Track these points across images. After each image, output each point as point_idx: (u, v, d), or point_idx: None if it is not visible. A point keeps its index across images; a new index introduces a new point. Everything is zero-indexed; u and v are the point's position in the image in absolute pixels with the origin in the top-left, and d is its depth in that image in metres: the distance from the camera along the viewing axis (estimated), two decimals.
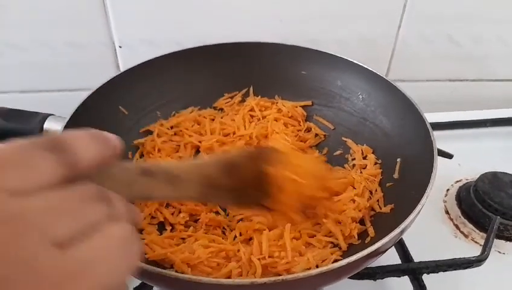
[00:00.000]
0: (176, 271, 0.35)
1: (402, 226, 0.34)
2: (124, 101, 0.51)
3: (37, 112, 0.48)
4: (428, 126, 0.44)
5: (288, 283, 0.29)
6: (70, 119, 0.44)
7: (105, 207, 0.20)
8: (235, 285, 0.28)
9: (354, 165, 0.50)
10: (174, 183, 0.28)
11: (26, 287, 0.16)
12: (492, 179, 0.54)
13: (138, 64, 0.52)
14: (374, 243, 0.32)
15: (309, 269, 0.35)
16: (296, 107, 0.56)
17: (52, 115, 0.47)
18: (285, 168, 0.33)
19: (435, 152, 0.40)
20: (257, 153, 0.34)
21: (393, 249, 0.47)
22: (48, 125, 0.46)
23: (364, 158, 0.50)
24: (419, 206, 0.35)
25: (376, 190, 0.46)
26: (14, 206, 0.17)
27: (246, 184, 0.32)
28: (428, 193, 0.37)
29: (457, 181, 0.60)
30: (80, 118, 0.44)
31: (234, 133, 0.54)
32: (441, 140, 0.55)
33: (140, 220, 0.23)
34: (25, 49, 0.61)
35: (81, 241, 0.18)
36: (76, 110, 0.45)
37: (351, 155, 0.51)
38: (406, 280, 0.44)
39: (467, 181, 0.59)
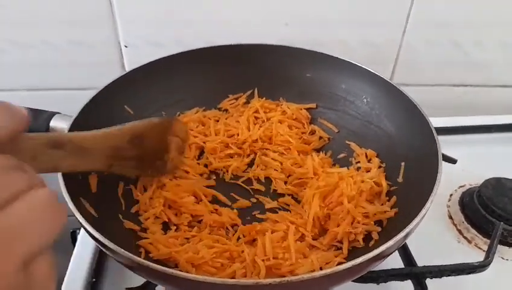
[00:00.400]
0: (180, 271, 0.35)
1: (406, 230, 0.34)
2: (129, 101, 0.51)
3: (43, 110, 0.48)
4: (433, 130, 0.44)
5: (293, 284, 0.29)
6: (76, 117, 0.44)
7: (24, 175, 0.21)
8: (240, 285, 0.28)
9: (358, 168, 0.50)
10: (81, 155, 0.28)
11: None
12: (496, 184, 0.54)
13: (144, 65, 0.53)
14: (378, 247, 0.32)
15: (313, 271, 0.35)
16: (301, 109, 0.57)
17: (59, 113, 0.47)
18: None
19: (440, 156, 0.40)
20: (161, 123, 0.37)
21: (396, 252, 0.47)
22: (54, 123, 0.46)
23: (369, 161, 0.50)
24: (423, 211, 0.35)
25: (380, 194, 0.46)
26: None
27: (149, 153, 0.35)
28: (433, 197, 0.37)
29: (461, 186, 0.60)
30: (86, 117, 0.44)
31: (238, 135, 0.54)
32: (445, 145, 0.55)
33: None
34: (32, 47, 0.61)
35: (6, 208, 0.19)
36: (82, 108, 0.45)
37: (354, 158, 0.52)
38: (409, 284, 0.44)
39: (470, 186, 0.59)
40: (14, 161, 0.21)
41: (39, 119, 0.47)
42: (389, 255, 0.35)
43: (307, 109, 0.57)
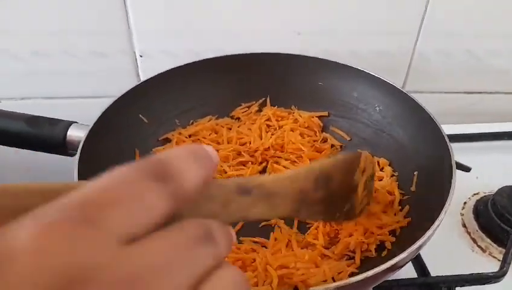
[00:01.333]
0: None
1: (420, 241, 0.34)
2: (144, 110, 0.52)
3: (60, 119, 0.49)
4: (446, 139, 0.44)
5: None
6: (92, 127, 0.45)
7: (211, 249, 0.17)
8: None
9: None
10: (268, 201, 0.25)
11: None
12: (511, 193, 0.54)
13: (158, 74, 0.54)
14: (391, 258, 0.32)
15: (325, 281, 0.35)
16: (313, 117, 0.57)
17: (76, 122, 0.48)
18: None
19: (454, 166, 0.40)
20: (347, 160, 0.33)
21: (409, 262, 0.47)
22: (72, 132, 0.47)
23: (381, 170, 0.50)
24: (437, 222, 0.35)
25: (393, 203, 0.46)
26: (125, 263, 0.14)
27: (337, 194, 0.31)
28: (447, 208, 0.37)
29: (475, 194, 0.59)
30: (102, 126, 0.46)
31: (250, 143, 0.55)
32: (459, 152, 0.54)
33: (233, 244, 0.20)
34: (49, 56, 0.63)
35: None
36: (99, 118, 0.46)
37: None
38: None
39: (484, 194, 0.59)
40: (203, 228, 0.18)
41: (56, 128, 0.48)
42: (402, 266, 0.35)
43: (319, 117, 0.57)
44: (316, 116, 0.57)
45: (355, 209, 0.35)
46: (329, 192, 0.30)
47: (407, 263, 0.35)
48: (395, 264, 0.32)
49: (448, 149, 0.42)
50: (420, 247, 0.34)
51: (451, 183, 0.39)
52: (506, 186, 0.55)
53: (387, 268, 0.31)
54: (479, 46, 0.67)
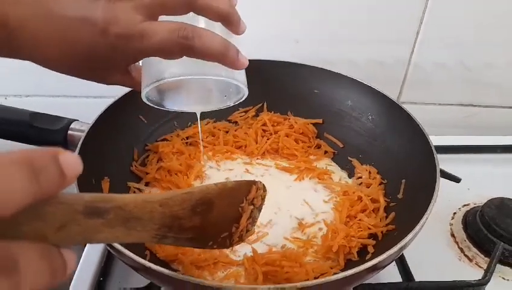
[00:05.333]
0: (182, 273, 0.37)
1: (401, 244, 0.35)
2: (143, 110, 0.54)
3: (62, 117, 0.51)
4: (433, 148, 0.45)
5: None
6: (93, 124, 0.46)
7: (7, 282, 0.15)
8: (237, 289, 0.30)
9: (360, 184, 0.51)
10: (126, 225, 0.22)
11: None
12: (500, 205, 0.55)
13: None
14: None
15: (307, 280, 0.36)
16: (308, 124, 0.58)
17: (77, 120, 0.50)
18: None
19: (438, 174, 0.41)
20: (236, 188, 0.30)
21: (395, 268, 0.48)
22: (72, 130, 0.49)
23: (371, 178, 0.51)
24: (418, 227, 0.36)
25: (379, 210, 0.47)
26: None
27: (215, 223, 0.28)
28: (429, 213, 0.38)
29: (465, 205, 0.60)
30: (102, 124, 0.47)
31: (246, 146, 0.56)
32: (452, 163, 0.56)
33: (71, 270, 0.18)
34: None
35: None
36: (99, 116, 0.48)
37: (356, 174, 0.53)
38: None
39: (474, 205, 0.60)
40: (5, 253, 0.15)
41: (58, 125, 0.50)
42: (383, 267, 0.36)
43: (314, 124, 0.59)
44: (311, 123, 0.59)
45: (233, 238, 0.32)
46: (207, 220, 0.27)
47: (387, 264, 0.36)
48: (375, 264, 0.33)
49: (435, 159, 0.44)
50: (401, 250, 0.35)
51: (434, 191, 0.40)
52: (495, 198, 0.56)
53: (367, 268, 0.33)
54: (474, 58, 0.68)
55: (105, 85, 0.69)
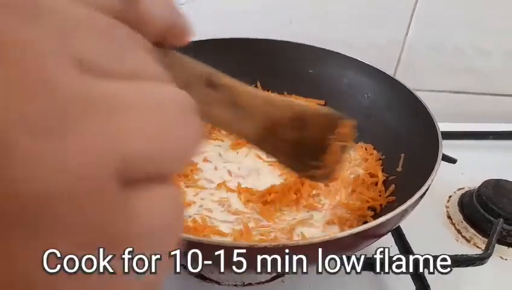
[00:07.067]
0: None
1: (400, 209, 0.34)
2: None
3: None
4: (435, 121, 0.44)
5: (287, 247, 0.28)
6: None
7: (148, 56, 0.14)
8: (231, 246, 0.28)
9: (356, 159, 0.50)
10: (234, 111, 0.22)
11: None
12: (496, 185, 0.54)
13: None
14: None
15: None
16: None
17: None
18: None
19: (440, 141, 0.40)
20: (327, 117, 0.28)
21: (395, 247, 0.46)
22: None
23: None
24: (420, 191, 0.35)
25: (377, 183, 0.46)
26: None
27: (307, 144, 0.27)
28: (431, 180, 0.37)
29: (460, 189, 0.60)
30: None
31: None
32: (445, 149, 0.55)
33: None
34: None
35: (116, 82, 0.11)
36: None
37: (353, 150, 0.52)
38: (408, 280, 0.43)
39: (469, 189, 0.59)
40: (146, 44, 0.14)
41: None
42: (381, 235, 0.35)
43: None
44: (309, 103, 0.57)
45: (320, 171, 0.30)
46: (300, 138, 0.27)
47: (387, 232, 0.35)
48: (373, 227, 0.31)
49: (436, 129, 0.43)
50: (401, 216, 0.34)
51: (437, 158, 0.38)
52: (491, 179, 0.55)
53: (365, 230, 0.31)
54: (468, 43, 0.69)
55: None
